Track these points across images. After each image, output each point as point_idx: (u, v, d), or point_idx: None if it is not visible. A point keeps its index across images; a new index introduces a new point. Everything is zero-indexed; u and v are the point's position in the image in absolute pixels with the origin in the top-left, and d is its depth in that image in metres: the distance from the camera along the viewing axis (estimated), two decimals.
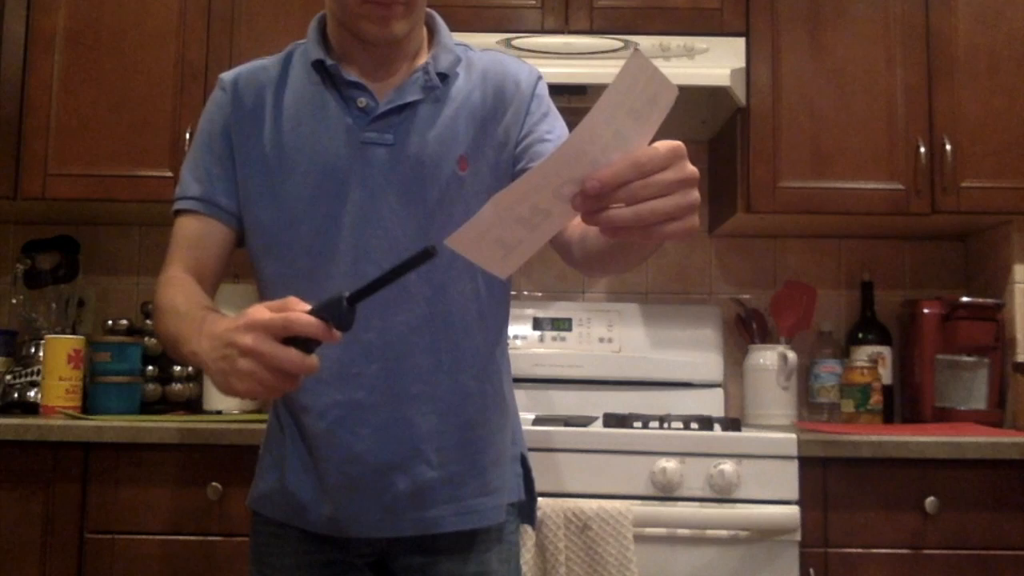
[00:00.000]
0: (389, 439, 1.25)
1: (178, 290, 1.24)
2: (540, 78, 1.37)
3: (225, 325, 0.99)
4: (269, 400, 1.40)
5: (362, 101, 1.28)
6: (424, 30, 1.36)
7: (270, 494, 1.33)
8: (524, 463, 1.40)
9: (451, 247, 0.82)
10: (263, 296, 1.30)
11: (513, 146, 1.32)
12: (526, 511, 1.40)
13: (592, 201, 0.80)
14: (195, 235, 1.31)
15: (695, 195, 0.82)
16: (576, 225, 1.18)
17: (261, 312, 0.94)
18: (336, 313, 0.91)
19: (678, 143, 0.81)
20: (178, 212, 1.33)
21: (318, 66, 1.30)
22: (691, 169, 0.82)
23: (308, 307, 0.93)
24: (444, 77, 1.31)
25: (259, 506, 1.35)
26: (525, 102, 1.33)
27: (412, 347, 1.26)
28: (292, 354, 0.92)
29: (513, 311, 2.46)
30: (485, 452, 1.31)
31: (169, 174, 2.22)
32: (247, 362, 0.93)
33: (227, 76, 1.35)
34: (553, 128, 1.34)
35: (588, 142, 0.77)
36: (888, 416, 2.39)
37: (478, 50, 1.38)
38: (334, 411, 1.26)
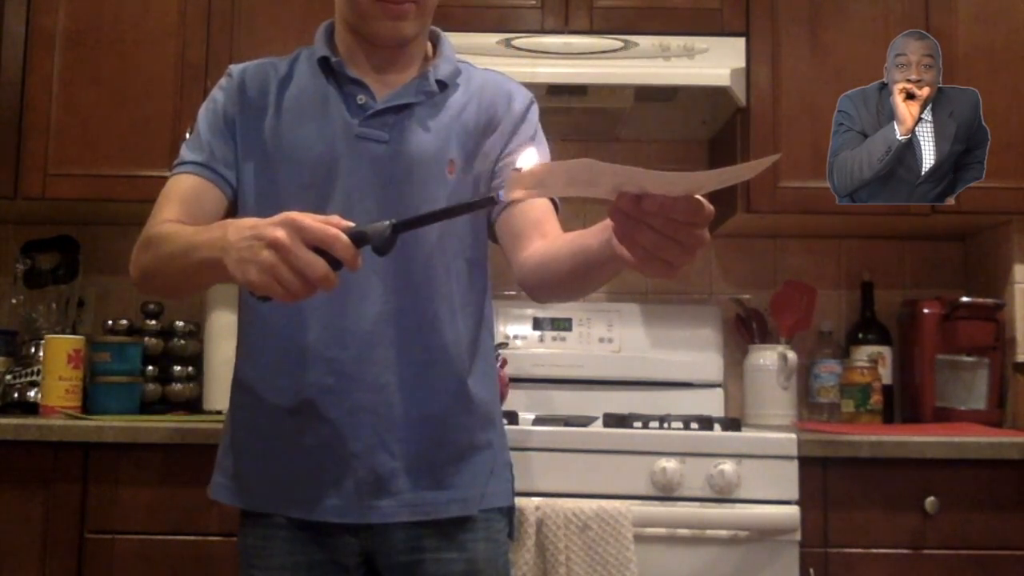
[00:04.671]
0: (354, 426, 1.27)
1: (180, 225, 1.23)
2: (533, 102, 1.42)
3: (256, 220, 0.99)
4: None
5: (361, 98, 1.32)
6: (428, 45, 1.40)
7: (226, 482, 1.35)
8: (512, 472, 1.42)
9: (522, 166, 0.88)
10: None
11: (493, 161, 1.37)
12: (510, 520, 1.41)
13: (631, 204, 0.85)
14: (191, 192, 1.31)
15: (693, 256, 0.89)
16: (537, 250, 1.26)
17: (302, 215, 0.94)
18: (379, 237, 0.92)
19: (712, 210, 0.87)
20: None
21: (323, 63, 1.34)
22: (707, 236, 0.88)
23: (351, 225, 0.94)
24: (444, 86, 1.35)
25: (218, 495, 1.36)
26: (514, 122, 1.38)
27: (382, 337, 1.28)
28: (318, 262, 0.93)
29: (513, 311, 2.48)
30: (446, 448, 1.32)
31: (169, 173, 2.22)
32: (271, 255, 0.93)
33: (235, 67, 1.39)
34: None
35: (673, 183, 0.83)
36: (888, 416, 2.39)
37: (479, 68, 1.43)
38: (304, 394, 1.28)
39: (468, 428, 1.35)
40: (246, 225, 1.00)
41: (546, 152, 1.40)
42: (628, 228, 0.87)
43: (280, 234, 0.93)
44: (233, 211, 1.35)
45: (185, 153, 1.35)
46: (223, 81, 1.38)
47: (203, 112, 1.37)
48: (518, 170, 0.85)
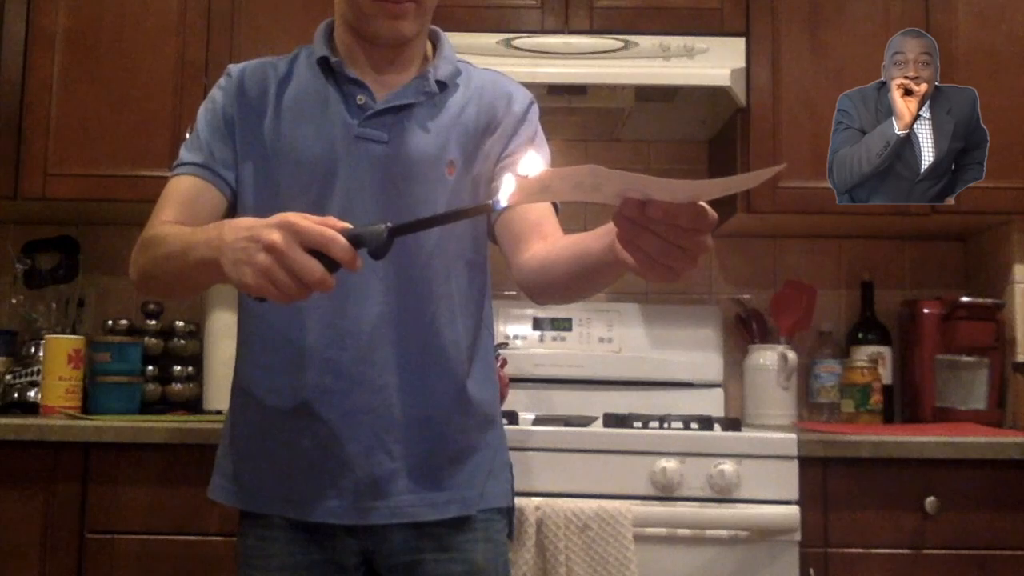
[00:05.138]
0: (353, 427, 1.27)
1: (178, 225, 1.23)
2: (533, 103, 1.42)
3: (253, 221, 0.99)
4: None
5: (361, 98, 1.31)
6: (428, 45, 1.40)
7: (225, 483, 1.36)
8: (511, 472, 1.42)
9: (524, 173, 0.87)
10: None
11: (493, 162, 1.36)
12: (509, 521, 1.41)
13: (636, 210, 0.85)
14: (190, 193, 1.32)
15: (696, 263, 0.89)
16: (538, 253, 1.26)
17: (298, 217, 0.94)
18: (374, 240, 0.91)
19: (716, 217, 0.87)
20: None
21: (323, 63, 1.33)
22: (711, 242, 0.89)
23: (347, 226, 0.93)
24: (444, 86, 1.35)
25: (217, 496, 1.36)
26: (514, 123, 1.38)
27: (382, 339, 1.28)
28: (314, 265, 0.92)
29: (513, 311, 2.48)
30: (444, 449, 1.32)
31: (169, 174, 2.22)
32: (266, 257, 0.93)
33: (234, 67, 1.39)
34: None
35: (677, 190, 0.83)
36: (888, 416, 2.39)
37: (479, 68, 1.43)
38: (303, 394, 1.28)
39: (466, 429, 1.35)
40: (242, 226, 0.99)
41: (546, 153, 1.40)
42: (632, 234, 0.87)
43: (276, 237, 0.93)
44: (232, 211, 1.35)
45: (184, 154, 1.35)
46: (222, 81, 1.38)
47: (202, 112, 1.37)
48: (523, 176, 0.85)
